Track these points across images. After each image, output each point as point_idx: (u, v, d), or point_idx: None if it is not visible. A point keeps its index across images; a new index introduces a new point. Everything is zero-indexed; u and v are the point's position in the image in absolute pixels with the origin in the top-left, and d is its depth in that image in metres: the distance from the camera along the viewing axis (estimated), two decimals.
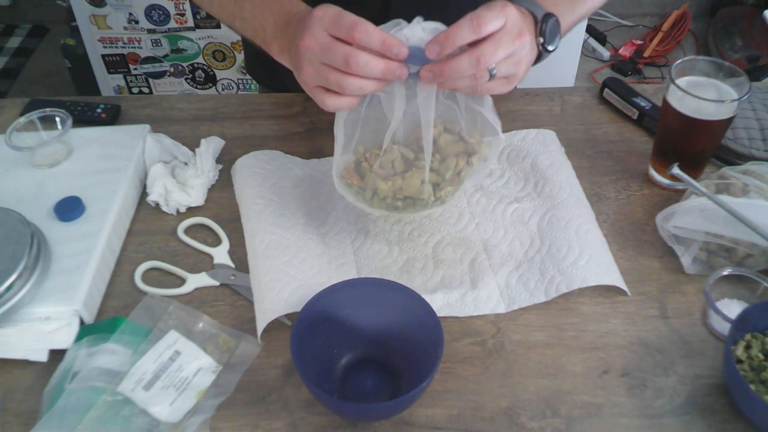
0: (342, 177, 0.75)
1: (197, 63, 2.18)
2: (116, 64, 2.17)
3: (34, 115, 0.89)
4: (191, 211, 0.86)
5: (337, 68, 0.64)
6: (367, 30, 0.63)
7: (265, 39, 0.74)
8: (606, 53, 2.75)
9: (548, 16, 0.70)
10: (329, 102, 0.67)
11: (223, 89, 2.26)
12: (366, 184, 0.74)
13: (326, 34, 0.64)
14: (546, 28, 0.70)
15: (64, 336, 0.70)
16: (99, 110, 1.00)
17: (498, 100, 0.76)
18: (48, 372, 0.68)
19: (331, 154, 0.75)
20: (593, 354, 0.71)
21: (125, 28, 2.08)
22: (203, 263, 0.80)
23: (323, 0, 0.74)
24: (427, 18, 0.91)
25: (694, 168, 0.84)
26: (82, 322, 0.72)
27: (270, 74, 1.13)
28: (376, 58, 0.63)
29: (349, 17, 0.63)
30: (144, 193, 0.88)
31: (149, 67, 2.19)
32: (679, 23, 2.79)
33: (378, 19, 0.91)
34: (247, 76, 2.23)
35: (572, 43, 2.07)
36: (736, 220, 0.73)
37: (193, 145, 0.92)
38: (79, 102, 1.01)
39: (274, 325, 0.72)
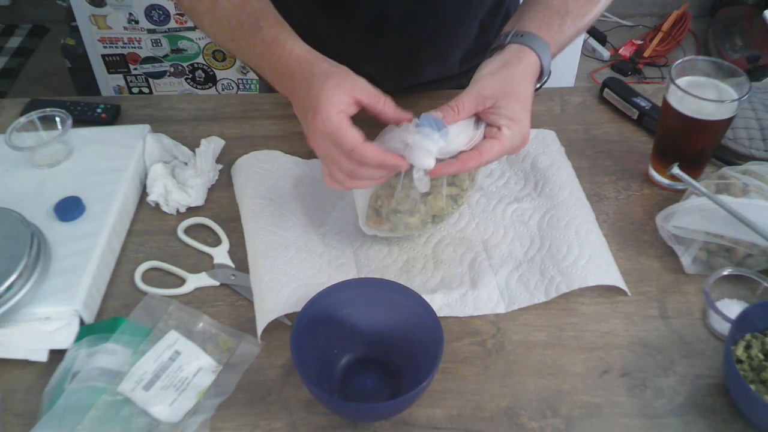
0: (369, 225, 0.77)
1: (197, 63, 2.18)
2: (116, 64, 2.17)
3: (34, 115, 0.89)
4: (191, 211, 0.86)
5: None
6: (363, 154, 0.64)
7: (265, 77, 0.75)
8: (606, 53, 2.75)
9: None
10: (335, 185, 0.69)
11: (223, 89, 2.26)
12: (396, 226, 0.76)
13: (331, 146, 0.66)
14: (545, 81, 0.75)
15: (64, 336, 0.70)
16: (99, 110, 1.00)
17: None
18: (48, 372, 0.68)
19: None
20: (593, 354, 0.71)
21: (125, 28, 2.08)
22: (203, 263, 0.80)
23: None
24: (423, 25, 0.92)
25: (694, 168, 0.84)
26: (82, 322, 0.72)
27: None
28: (378, 170, 0.66)
29: (347, 140, 0.64)
30: (144, 193, 0.88)
31: (149, 67, 2.19)
32: (679, 23, 2.79)
33: (375, 28, 0.92)
34: (247, 76, 2.23)
35: (572, 43, 2.07)
36: (736, 220, 0.73)
37: (193, 145, 0.92)
38: (79, 102, 1.01)
39: (274, 325, 0.72)
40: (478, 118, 0.70)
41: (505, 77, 0.69)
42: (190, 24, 2.07)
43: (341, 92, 0.65)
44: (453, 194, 0.75)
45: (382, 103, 0.66)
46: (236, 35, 0.74)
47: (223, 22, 0.74)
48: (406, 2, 0.88)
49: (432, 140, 0.65)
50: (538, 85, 0.75)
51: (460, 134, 0.68)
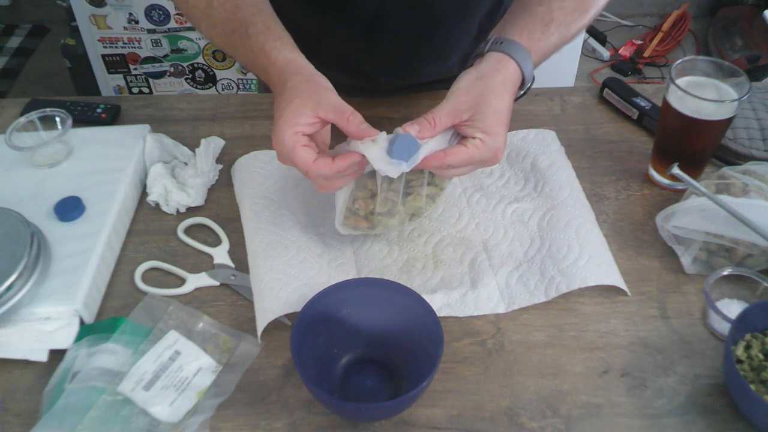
0: (345, 225, 0.76)
1: (197, 63, 2.18)
2: (116, 64, 2.17)
3: (34, 115, 0.89)
4: (191, 211, 0.86)
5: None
6: (318, 173, 0.66)
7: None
8: (606, 53, 2.75)
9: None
10: (322, 191, 0.70)
11: (223, 89, 2.26)
12: (374, 226, 0.76)
13: (290, 164, 0.67)
14: (529, 88, 0.74)
15: (64, 336, 0.70)
16: (99, 110, 1.00)
17: None
18: (48, 372, 0.68)
19: None
20: (593, 354, 0.71)
21: (125, 28, 2.08)
22: (203, 263, 0.80)
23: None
24: (421, 25, 0.92)
25: (694, 168, 0.84)
26: (82, 322, 0.72)
27: None
28: (343, 178, 0.68)
29: (299, 163, 0.66)
30: (144, 193, 0.88)
31: (149, 67, 2.19)
32: (679, 23, 2.79)
33: (372, 28, 0.92)
34: (247, 76, 2.23)
35: (572, 43, 2.07)
36: (736, 220, 0.73)
37: (193, 145, 0.92)
38: (79, 102, 1.01)
39: (274, 325, 0.72)
40: (455, 131, 0.70)
41: (483, 90, 0.68)
42: (189, 24, 2.07)
43: (302, 113, 0.65)
44: (431, 193, 0.76)
45: (345, 120, 0.66)
46: (230, 42, 0.74)
47: (218, 28, 0.75)
48: (403, 2, 0.88)
49: (398, 169, 0.65)
50: (521, 93, 0.74)
51: (432, 148, 0.68)
